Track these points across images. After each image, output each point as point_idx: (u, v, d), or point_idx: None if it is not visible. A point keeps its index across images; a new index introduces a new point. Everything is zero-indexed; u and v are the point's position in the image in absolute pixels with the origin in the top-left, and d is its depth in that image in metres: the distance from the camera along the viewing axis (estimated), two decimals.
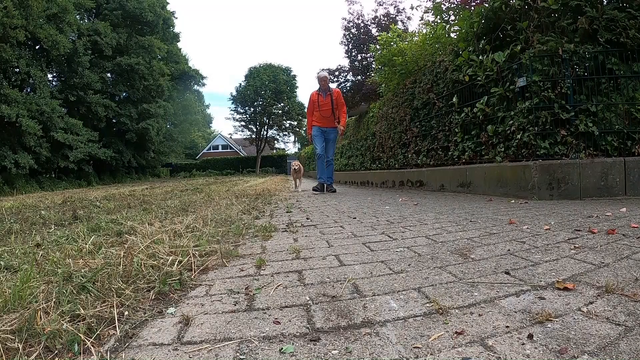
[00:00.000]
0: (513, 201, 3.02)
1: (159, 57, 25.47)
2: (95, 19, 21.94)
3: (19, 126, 14.23)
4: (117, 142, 22.65)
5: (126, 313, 0.95)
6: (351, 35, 15.49)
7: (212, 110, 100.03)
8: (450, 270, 1.19)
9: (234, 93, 36.71)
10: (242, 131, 38.63)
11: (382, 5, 15.40)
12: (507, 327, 0.78)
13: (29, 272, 1.13)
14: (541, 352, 0.67)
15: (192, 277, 1.27)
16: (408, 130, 5.79)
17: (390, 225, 2.17)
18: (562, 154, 3.07)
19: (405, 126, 5.88)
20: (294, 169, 6.76)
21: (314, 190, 5.95)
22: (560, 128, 3.09)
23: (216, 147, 52.78)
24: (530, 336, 0.73)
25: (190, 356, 0.74)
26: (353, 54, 15.55)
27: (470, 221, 2.11)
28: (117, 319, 0.89)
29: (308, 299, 1.02)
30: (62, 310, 0.90)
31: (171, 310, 0.99)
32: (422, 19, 8.98)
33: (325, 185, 5.94)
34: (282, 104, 36.25)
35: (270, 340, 0.79)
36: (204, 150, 52.82)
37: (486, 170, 3.73)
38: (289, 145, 47.70)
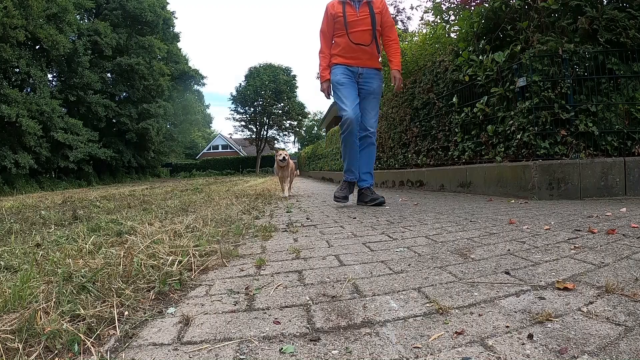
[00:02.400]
0: (513, 201, 3.02)
1: (159, 57, 25.49)
2: (95, 19, 21.94)
3: (19, 126, 14.24)
4: (117, 142, 22.66)
5: (126, 313, 0.95)
6: None
7: (212, 110, 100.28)
8: (450, 270, 1.19)
9: (234, 93, 36.76)
10: (242, 131, 38.68)
11: None
12: (507, 327, 0.78)
13: (29, 272, 1.13)
14: (541, 352, 0.67)
15: (192, 277, 1.27)
16: (408, 130, 5.79)
17: (390, 225, 2.17)
18: (562, 154, 3.07)
19: (405, 126, 5.88)
20: (279, 160, 4.54)
21: (336, 199, 3.32)
22: (560, 128, 3.09)
23: (216, 147, 52.85)
24: (530, 336, 0.73)
25: (190, 356, 0.74)
26: None
27: (470, 221, 2.11)
28: (117, 319, 0.89)
29: (308, 299, 1.02)
30: (62, 310, 0.90)
31: (171, 310, 0.99)
32: (422, 19, 8.99)
33: (359, 187, 3.33)
34: (282, 104, 36.25)
35: (270, 340, 0.79)
36: (204, 150, 52.87)
37: (486, 170, 3.73)
38: (289, 145, 47.74)
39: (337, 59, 3.25)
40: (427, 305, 0.92)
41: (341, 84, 3.18)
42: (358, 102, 3.18)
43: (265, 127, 37.51)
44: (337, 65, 3.25)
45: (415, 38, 6.53)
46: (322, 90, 3.36)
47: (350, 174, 3.31)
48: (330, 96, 3.35)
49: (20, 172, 14.82)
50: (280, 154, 4.59)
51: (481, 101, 3.78)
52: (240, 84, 36.33)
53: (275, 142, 40.80)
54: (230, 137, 53.41)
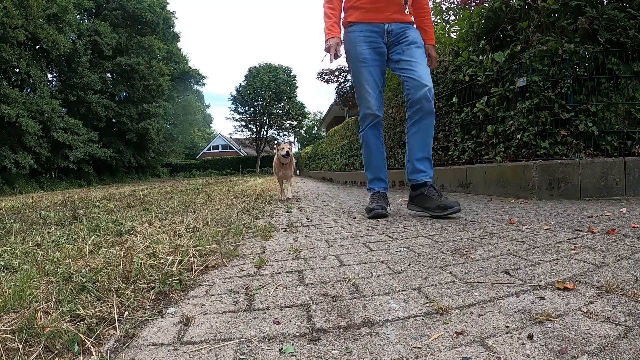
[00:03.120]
0: (513, 201, 3.02)
1: (159, 57, 25.52)
2: (95, 19, 21.96)
3: (19, 126, 14.26)
4: (117, 142, 22.68)
5: (126, 313, 0.95)
6: None
7: (212, 110, 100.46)
8: (450, 270, 1.19)
9: (234, 93, 36.77)
10: (242, 131, 38.69)
11: None
12: (507, 327, 0.78)
13: (29, 272, 1.13)
14: (541, 352, 0.67)
15: (192, 277, 1.27)
16: None
17: (390, 225, 2.17)
18: (562, 154, 3.07)
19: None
20: (281, 155, 3.90)
21: (369, 213, 2.35)
22: (560, 128, 3.09)
23: (216, 147, 52.89)
24: (530, 336, 0.73)
25: (190, 356, 0.74)
26: None
27: (470, 221, 2.11)
28: (117, 319, 0.89)
29: (308, 299, 1.02)
30: (62, 310, 0.90)
31: (171, 310, 0.99)
32: None
33: (414, 184, 2.31)
34: (282, 104, 36.26)
35: (270, 340, 0.79)
36: (204, 150, 52.91)
37: (486, 170, 3.73)
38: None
39: (353, 14, 2.29)
40: (427, 305, 0.92)
41: (363, 60, 2.28)
42: (382, 88, 2.41)
43: (265, 127, 37.51)
44: (354, 25, 2.28)
45: None
46: (327, 49, 2.26)
47: (379, 183, 2.39)
48: (340, 57, 2.34)
49: (20, 172, 14.83)
50: (283, 148, 3.89)
51: (481, 101, 3.78)
52: (240, 84, 36.36)
53: (275, 141, 40.80)
54: (230, 137, 53.44)
